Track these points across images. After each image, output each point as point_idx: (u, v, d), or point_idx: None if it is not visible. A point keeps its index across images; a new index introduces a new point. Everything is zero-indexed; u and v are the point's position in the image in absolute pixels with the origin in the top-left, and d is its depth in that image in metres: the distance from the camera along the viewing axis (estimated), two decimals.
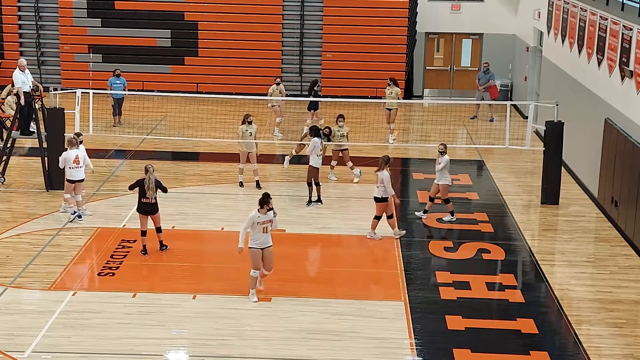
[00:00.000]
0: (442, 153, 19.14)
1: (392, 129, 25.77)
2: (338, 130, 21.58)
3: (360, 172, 21.87)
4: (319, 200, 20.07)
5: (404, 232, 18.32)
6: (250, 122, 20.99)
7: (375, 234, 18.10)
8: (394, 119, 25.88)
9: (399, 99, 26.06)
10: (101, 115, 26.46)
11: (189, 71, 31.11)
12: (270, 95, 26.05)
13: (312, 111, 25.95)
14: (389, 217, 18.12)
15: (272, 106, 26.12)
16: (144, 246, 16.99)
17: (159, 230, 17.06)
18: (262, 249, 14.91)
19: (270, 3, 31.17)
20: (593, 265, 17.12)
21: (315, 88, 25.97)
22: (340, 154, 21.82)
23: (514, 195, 21.34)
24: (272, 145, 24.99)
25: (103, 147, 24.28)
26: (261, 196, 14.98)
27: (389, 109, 25.69)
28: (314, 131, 20.22)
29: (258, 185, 21.05)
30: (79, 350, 13.17)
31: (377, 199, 18.00)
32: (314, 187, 20.02)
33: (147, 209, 16.82)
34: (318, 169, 19.96)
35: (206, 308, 14.73)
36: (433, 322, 14.49)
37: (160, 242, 17.12)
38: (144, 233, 16.96)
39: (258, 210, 14.85)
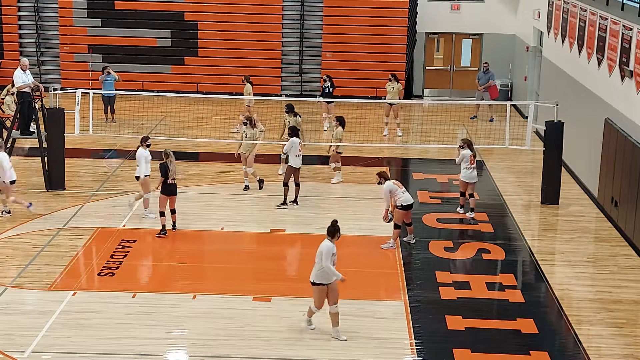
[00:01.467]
0: (461, 147, 19.26)
1: (397, 123, 26.10)
2: (332, 132, 21.67)
3: (340, 178, 21.72)
4: (295, 201, 19.88)
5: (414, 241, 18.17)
6: (245, 123, 20.83)
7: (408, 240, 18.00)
8: (397, 114, 26.03)
9: (399, 95, 26.14)
10: (101, 116, 26.50)
11: (189, 71, 31.09)
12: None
13: (327, 104, 26.36)
14: (408, 224, 18.01)
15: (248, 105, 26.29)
16: (163, 226, 17.83)
17: (173, 211, 17.92)
18: (328, 284, 13.66)
19: (270, 3, 31.15)
20: (593, 265, 17.12)
21: (325, 84, 26.04)
22: (333, 154, 21.73)
23: (514, 195, 21.33)
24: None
25: (103, 147, 24.30)
26: (331, 227, 13.71)
27: (390, 104, 25.84)
28: (293, 131, 20.08)
29: (260, 185, 20.94)
30: (79, 350, 13.16)
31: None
32: (294, 187, 19.81)
33: (172, 189, 17.77)
34: (297, 169, 19.86)
35: (206, 308, 14.71)
36: (433, 322, 14.47)
37: (174, 222, 17.96)
38: (162, 214, 17.81)
39: (330, 240, 13.65)
